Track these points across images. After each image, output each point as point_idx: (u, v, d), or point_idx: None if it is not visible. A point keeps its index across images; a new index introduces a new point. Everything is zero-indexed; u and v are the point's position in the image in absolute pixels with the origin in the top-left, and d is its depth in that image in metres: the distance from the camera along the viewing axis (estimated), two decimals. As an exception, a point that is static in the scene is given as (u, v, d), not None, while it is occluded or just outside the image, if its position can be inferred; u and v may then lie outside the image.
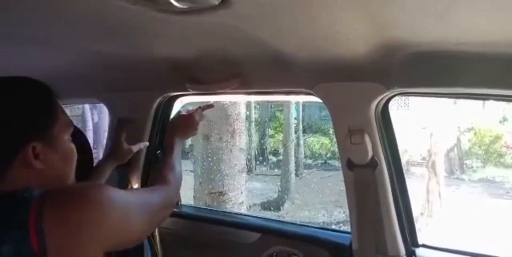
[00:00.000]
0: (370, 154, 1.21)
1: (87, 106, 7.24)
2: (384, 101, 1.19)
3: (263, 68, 1.23)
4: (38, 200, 0.73)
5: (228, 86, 1.30)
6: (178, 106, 1.65)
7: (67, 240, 0.71)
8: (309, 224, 1.59)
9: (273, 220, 1.64)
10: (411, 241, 1.32)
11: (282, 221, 1.65)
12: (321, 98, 1.23)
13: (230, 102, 3.57)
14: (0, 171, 0.76)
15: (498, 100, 1.06)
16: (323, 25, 0.78)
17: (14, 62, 1.14)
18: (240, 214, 1.88)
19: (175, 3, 0.67)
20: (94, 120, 7.66)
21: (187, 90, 1.41)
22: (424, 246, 1.34)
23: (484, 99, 1.09)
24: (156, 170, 1.43)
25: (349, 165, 1.25)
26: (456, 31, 0.81)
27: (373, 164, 1.22)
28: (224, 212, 1.77)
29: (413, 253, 1.31)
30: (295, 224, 1.58)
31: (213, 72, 1.30)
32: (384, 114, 1.23)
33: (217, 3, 0.67)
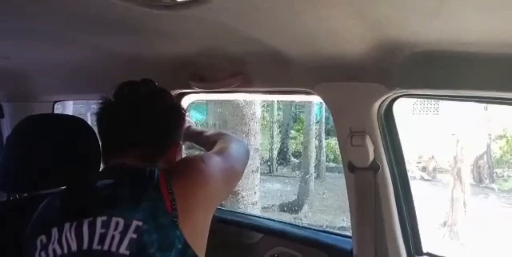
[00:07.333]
0: (372, 156, 1.17)
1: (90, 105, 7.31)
2: (387, 102, 1.15)
3: (264, 66, 1.22)
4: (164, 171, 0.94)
5: (230, 83, 1.30)
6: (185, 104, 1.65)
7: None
8: (312, 227, 1.56)
9: (276, 221, 1.61)
10: (414, 249, 1.27)
11: (285, 222, 1.63)
12: (322, 98, 1.20)
13: (245, 102, 3.54)
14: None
15: (507, 104, 1.00)
16: (310, 22, 0.76)
17: (20, 56, 1.18)
18: (243, 214, 1.87)
19: None
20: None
21: (192, 88, 1.42)
22: (428, 254, 1.29)
23: (492, 103, 1.04)
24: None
25: (350, 168, 1.23)
26: (454, 30, 0.77)
27: (375, 167, 1.19)
28: (226, 210, 1.76)
29: None
30: (298, 226, 1.56)
31: (216, 70, 1.31)
32: (388, 116, 1.19)
33: None
